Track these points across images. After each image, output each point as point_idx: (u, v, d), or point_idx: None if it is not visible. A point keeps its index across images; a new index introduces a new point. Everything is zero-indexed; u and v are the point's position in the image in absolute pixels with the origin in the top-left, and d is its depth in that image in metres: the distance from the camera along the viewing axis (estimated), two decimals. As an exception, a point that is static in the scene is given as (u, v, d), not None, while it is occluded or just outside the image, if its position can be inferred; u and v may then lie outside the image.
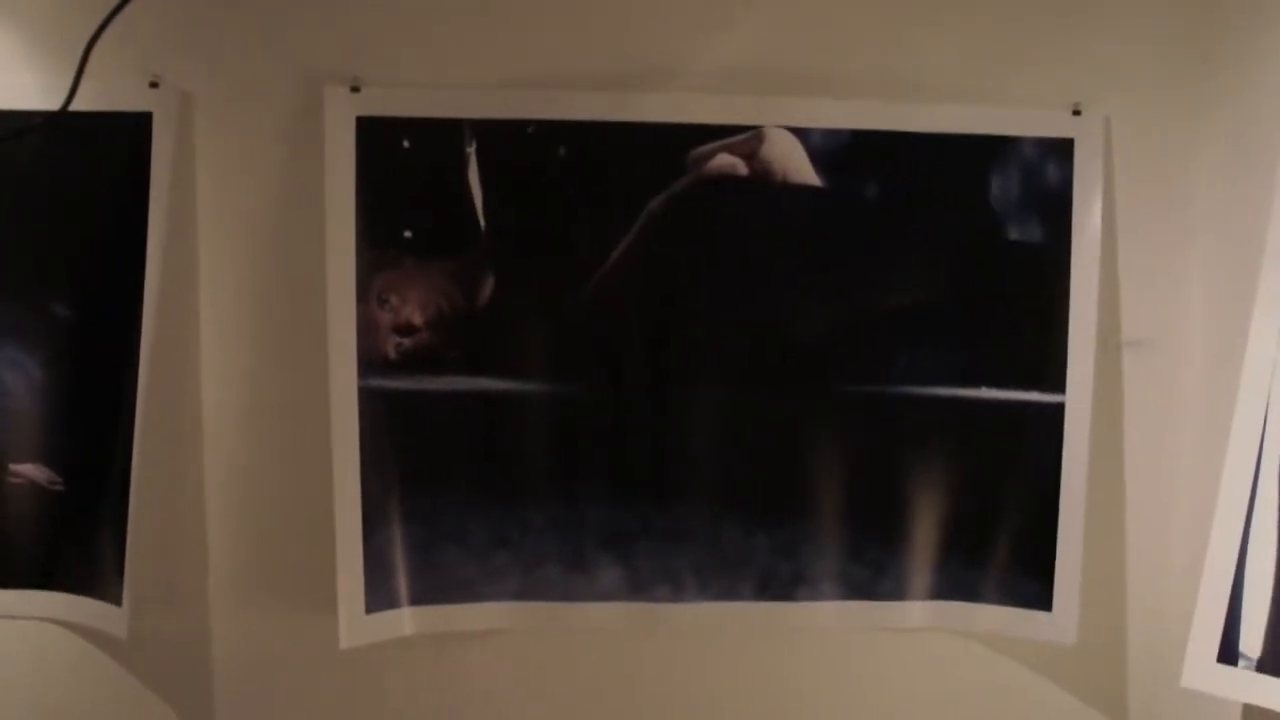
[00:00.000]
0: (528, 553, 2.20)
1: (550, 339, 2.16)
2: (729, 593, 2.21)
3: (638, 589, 2.20)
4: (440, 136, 2.12)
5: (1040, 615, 2.19)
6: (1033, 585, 2.20)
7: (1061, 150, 2.17)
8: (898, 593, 2.23)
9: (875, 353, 2.18)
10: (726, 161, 2.14)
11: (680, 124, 2.14)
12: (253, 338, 2.20)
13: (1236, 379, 1.96)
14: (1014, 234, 2.17)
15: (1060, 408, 2.17)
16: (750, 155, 2.14)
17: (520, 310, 2.15)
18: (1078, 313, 2.16)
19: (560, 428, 2.17)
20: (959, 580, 2.22)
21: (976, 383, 2.19)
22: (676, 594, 2.21)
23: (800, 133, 2.14)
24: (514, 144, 2.13)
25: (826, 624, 2.23)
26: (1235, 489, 1.95)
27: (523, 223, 2.15)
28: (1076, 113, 2.17)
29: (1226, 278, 2.14)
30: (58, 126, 2.07)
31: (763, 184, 2.15)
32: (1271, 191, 1.90)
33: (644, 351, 2.17)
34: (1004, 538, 2.21)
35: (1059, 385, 2.17)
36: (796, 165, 2.14)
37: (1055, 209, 2.17)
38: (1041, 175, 2.17)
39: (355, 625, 2.15)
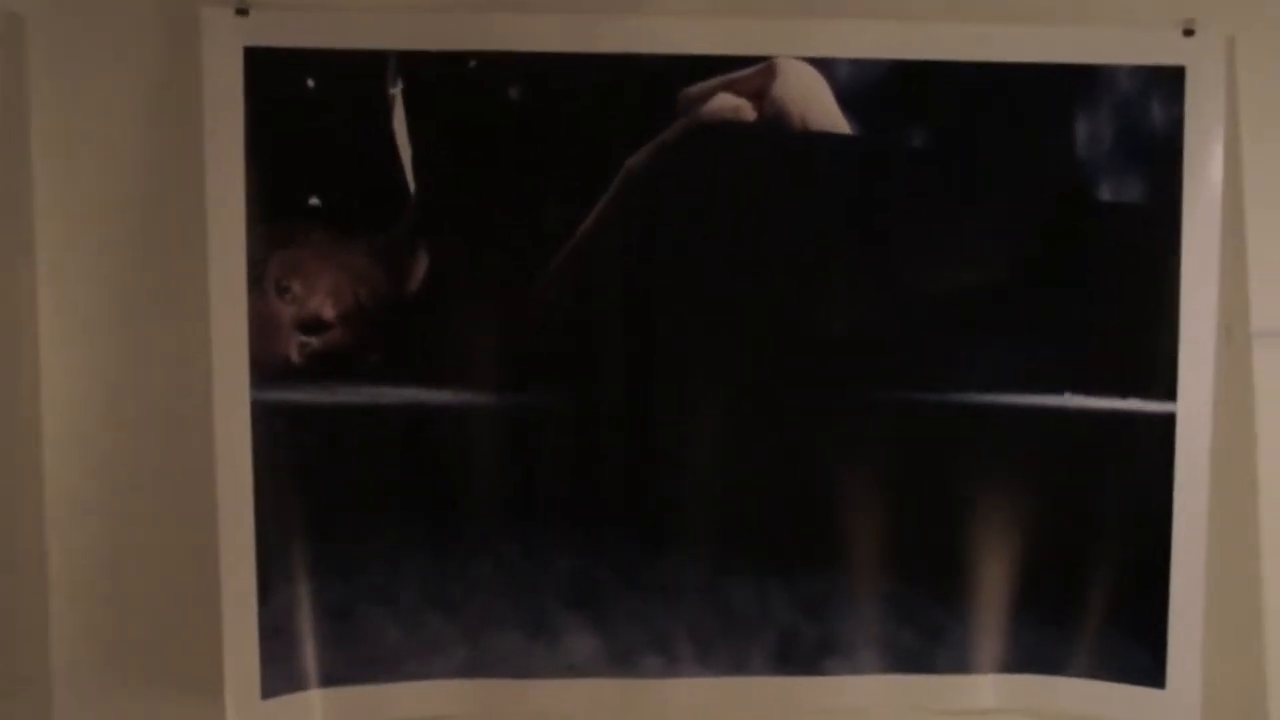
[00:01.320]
0: (474, 615, 1.86)
1: (500, 337, 1.84)
2: (737, 664, 1.87)
3: (618, 661, 1.87)
4: (355, 74, 1.80)
5: (1149, 693, 1.86)
6: (1138, 653, 1.86)
7: (1169, 82, 1.82)
8: (959, 664, 1.89)
9: (924, 351, 1.86)
10: (728, 104, 1.82)
11: (666, 55, 1.82)
12: (108, 337, 1.85)
13: None
14: (1106, 194, 1.83)
15: (1170, 419, 1.83)
16: (758, 95, 1.82)
17: (461, 299, 1.83)
18: (1192, 295, 1.82)
19: (514, 451, 1.85)
20: (1039, 647, 1.89)
21: (1058, 388, 1.84)
22: (669, 667, 1.87)
23: (824, 65, 1.81)
24: (451, 84, 1.82)
25: (865, 704, 1.90)
26: None
27: (463, 186, 1.83)
28: (1189, 32, 1.82)
29: None
30: None
31: (775, 133, 1.83)
32: None
33: (622, 352, 1.84)
34: (1099, 591, 1.88)
35: (1168, 391, 1.83)
36: (819, 107, 1.82)
37: (1161, 160, 1.82)
38: (1143, 116, 1.82)
39: (248, 714, 1.81)
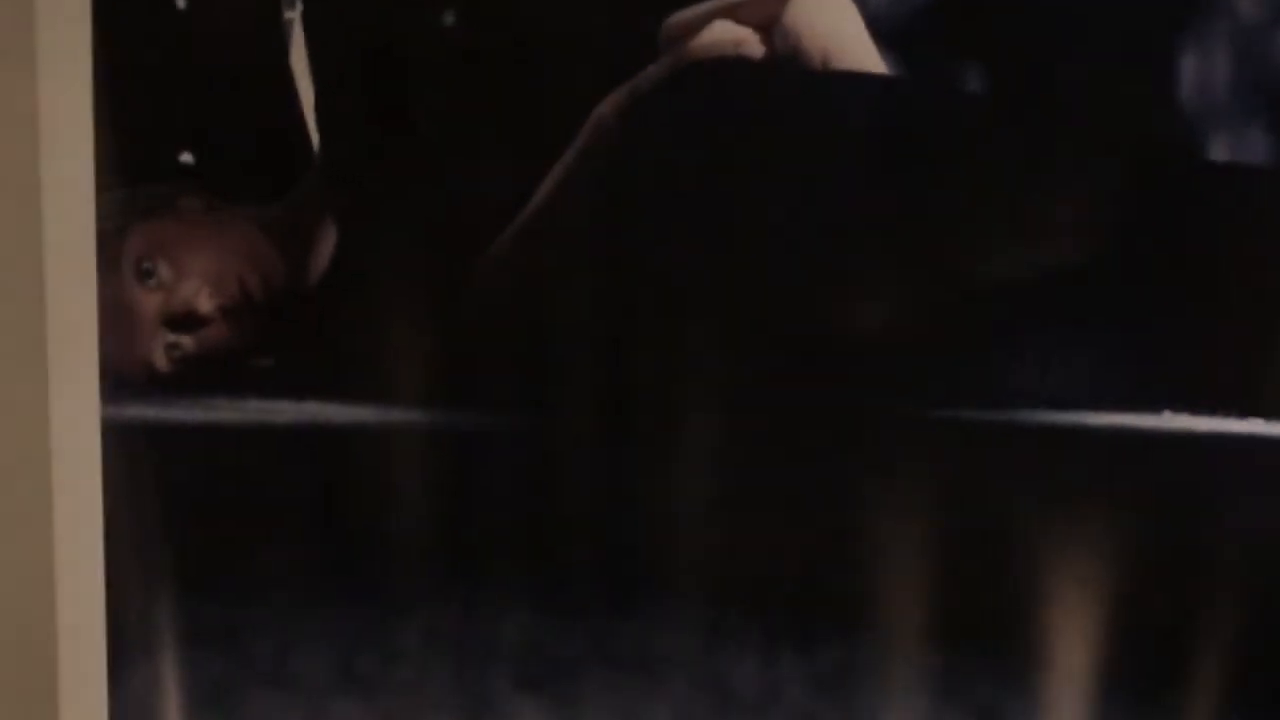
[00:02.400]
0: (398, 697, 1.57)
1: (431, 337, 1.57)
2: None
3: None
4: (240, -9, 1.54)
5: None
6: None
7: None
8: None
9: (979, 357, 1.57)
10: (727, 35, 1.54)
11: None
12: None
13: None
14: (1219, 151, 1.55)
15: None
16: (767, 24, 1.53)
17: (379, 288, 1.58)
18: None
19: (450, 486, 1.56)
20: None
21: (1154, 405, 1.54)
22: None
23: None
24: (368, 6, 1.58)
25: None
26: None
27: (383, 140, 1.58)
28: None
29: None
30: None
31: (789, 72, 1.54)
32: None
33: (589, 358, 1.56)
34: (1210, 662, 1.56)
35: None
36: (847, 39, 1.54)
37: None
38: (1270, 50, 1.54)
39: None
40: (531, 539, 1.57)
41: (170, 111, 1.59)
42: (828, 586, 1.59)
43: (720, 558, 1.58)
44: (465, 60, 1.57)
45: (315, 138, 1.60)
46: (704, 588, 1.58)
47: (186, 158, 1.60)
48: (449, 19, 1.56)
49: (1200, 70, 1.54)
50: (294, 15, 1.58)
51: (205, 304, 1.54)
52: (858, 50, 1.53)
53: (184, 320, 1.56)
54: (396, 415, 1.54)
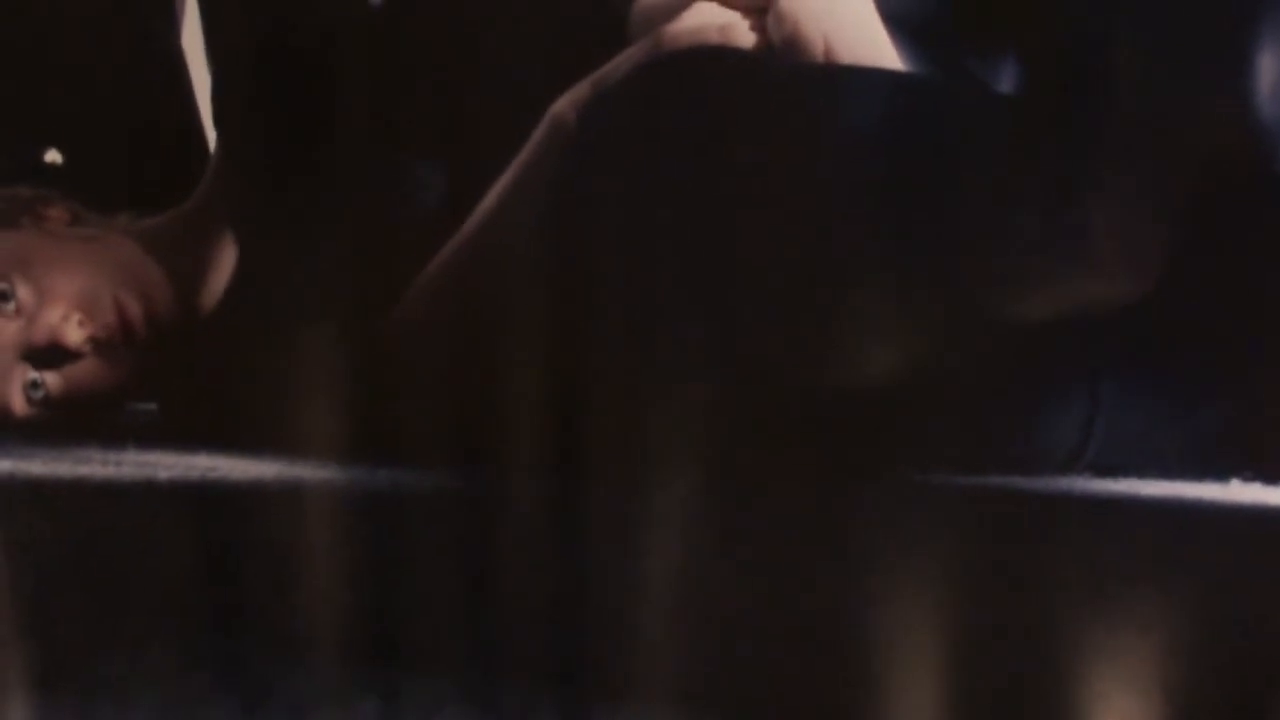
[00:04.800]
0: None
1: (349, 378, 1.41)
2: None
3: None
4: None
5: None
6: None
7: None
8: None
9: (1005, 410, 1.42)
10: (710, 20, 1.39)
11: None
12: None
13: None
14: None
15: None
16: (760, 8, 1.39)
17: (288, 318, 1.44)
18: None
19: (366, 557, 1.35)
20: None
21: (1221, 472, 1.37)
22: None
23: None
24: None
25: None
26: None
27: (294, 139, 1.44)
28: None
29: None
30: None
31: (784, 65, 1.39)
32: None
33: (540, 404, 1.40)
34: None
35: None
36: (853, 28, 1.38)
37: None
38: None
39: None
40: (464, 625, 1.40)
41: (32, 102, 1.46)
42: (823, 688, 1.40)
43: (690, 654, 1.40)
44: (395, 46, 1.44)
45: (210, 135, 1.45)
46: (670, 689, 1.40)
47: (52, 156, 1.47)
48: (376, 1, 1.42)
49: (1274, 70, 1.36)
50: (188, -13, 1.42)
51: (74, 334, 1.39)
52: (867, 40, 1.38)
53: (48, 354, 1.40)
54: (304, 473, 1.38)
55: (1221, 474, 1.35)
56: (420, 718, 1.32)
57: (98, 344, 1.43)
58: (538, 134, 1.36)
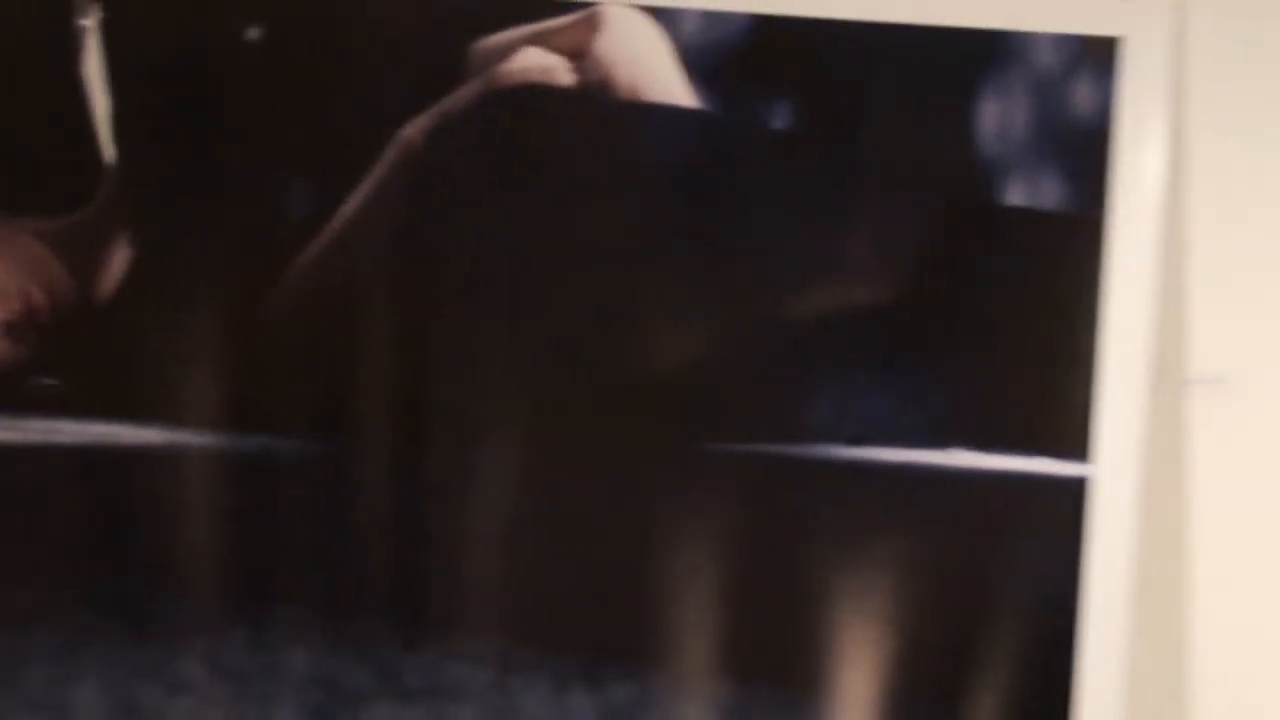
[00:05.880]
0: None
1: (224, 359, 1.57)
2: None
3: None
4: (29, -5, 1.50)
5: None
6: None
7: (1099, 58, 1.60)
8: None
9: (776, 391, 1.62)
10: (536, 62, 1.56)
11: None
12: None
13: None
14: (1016, 197, 1.60)
15: (1083, 484, 1.61)
16: (578, 52, 1.56)
17: (172, 307, 1.56)
18: (1118, 329, 1.61)
19: (238, 513, 1.58)
20: None
21: (942, 442, 1.61)
22: None
23: (665, 16, 1.56)
24: (168, 16, 1.55)
25: None
26: None
27: (181, 155, 1.56)
28: None
29: None
30: None
31: (598, 101, 1.58)
32: None
33: (388, 385, 1.58)
34: (987, 704, 1.64)
35: (1081, 449, 1.61)
36: (656, 71, 1.57)
37: (1086, 157, 1.60)
38: (1064, 98, 1.60)
39: None
40: (321, 571, 1.58)
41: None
42: (621, 620, 1.62)
43: (513, 591, 1.61)
44: (268, 76, 1.56)
45: (108, 149, 1.55)
46: (496, 622, 1.61)
47: (-30, 169, 1.54)
48: (253, 34, 1.54)
49: (998, 117, 1.59)
50: (89, 23, 1.52)
51: (-14, 319, 1.49)
52: (667, 83, 1.56)
53: (-37, 335, 1.50)
54: (184, 439, 1.53)
55: (945, 443, 1.58)
56: (283, 645, 1.55)
57: (5, 327, 1.53)
58: (390, 154, 1.52)
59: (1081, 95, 1.59)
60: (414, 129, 1.54)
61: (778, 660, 1.64)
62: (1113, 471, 1.60)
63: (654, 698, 1.60)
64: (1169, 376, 1.63)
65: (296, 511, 1.57)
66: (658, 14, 1.54)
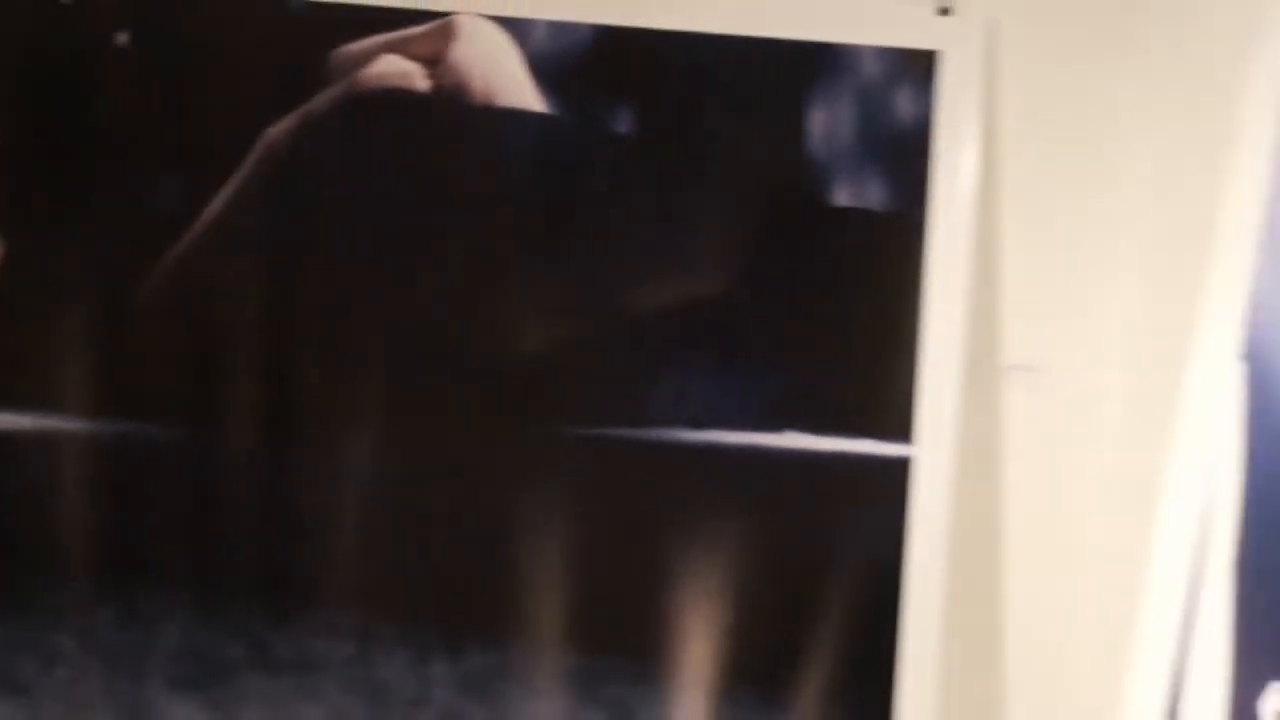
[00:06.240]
0: (53, 700, 1.65)
1: (97, 348, 1.63)
2: None
3: None
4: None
5: None
6: None
7: (919, 68, 1.71)
8: None
9: (622, 378, 1.72)
10: (394, 68, 1.65)
11: (317, 3, 1.63)
12: None
13: (1172, 422, 1.69)
14: (843, 198, 1.72)
15: (906, 465, 1.73)
16: (433, 59, 1.66)
17: (44, 299, 1.62)
18: (937, 320, 1.73)
19: (111, 495, 1.64)
20: None
21: (777, 425, 1.72)
22: None
23: (515, 26, 1.66)
24: (38, 21, 1.61)
25: None
26: (1166, 599, 1.64)
27: (53, 154, 1.62)
28: (945, 11, 1.72)
29: (1166, 276, 1.76)
30: None
31: (452, 105, 1.67)
32: (1229, 158, 1.62)
33: (254, 374, 1.66)
34: (816, 666, 1.77)
35: (904, 431, 1.73)
36: (507, 78, 1.66)
37: (906, 161, 1.72)
38: (887, 106, 1.71)
39: None
40: (190, 549, 1.65)
41: None
42: (477, 595, 1.72)
43: (374, 569, 1.70)
44: (137, 79, 1.61)
45: None
46: (357, 597, 1.70)
47: None
48: (122, 39, 1.60)
49: (827, 123, 1.70)
50: (-40, 28, 1.60)
51: None
52: (517, 88, 1.65)
53: None
54: (59, 425, 1.60)
55: (780, 427, 1.69)
56: (155, 620, 1.63)
57: None
58: (255, 153, 1.60)
59: (902, 104, 1.70)
60: (277, 130, 1.61)
61: (625, 631, 1.73)
62: (932, 452, 1.72)
63: (510, 667, 1.69)
64: (984, 364, 1.77)
65: (168, 494, 1.64)
66: (508, 24, 1.63)
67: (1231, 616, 1.51)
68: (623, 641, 1.75)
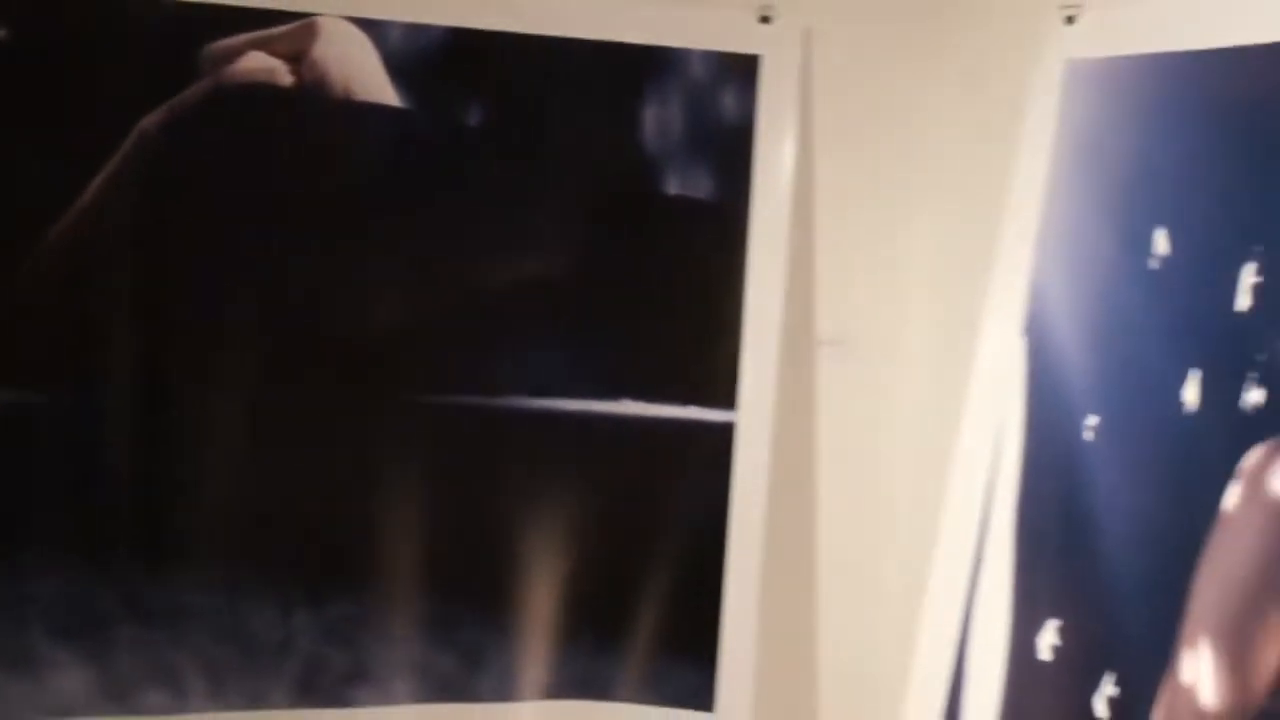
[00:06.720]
0: None
1: None
2: (255, 697, 1.78)
3: (115, 699, 1.73)
4: None
5: (698, 718, 1.87)
6: (689, 675, 1.87)
7: (742, 71, 1.81)
8: (502, 690, 1.86)
9: (471, 349, 1.81)
10: (260, 64, 1.72)
11: (188, 3, 1.68)
12: None
13: (964, 391, 1.75)
14: (673, 187, 1.82)
15: (730, 429, 1.84)
16: (297, 57, 1.72)
17: None
18: (757, 298, 1.84)
19: None
20: (588, 671, 1.88)
21: (615, 394, 1.83)
22: (176, 702, 1.75)
23: (372, 27, 1.73)
24: None
25: None
26: (957, 549, 1.71)
27: None
28: (765, 19, 1.82)
29: (959, 259, 1.87)
30: None
31: (314, 100, 1.73)
32: (1013, 156, 1.70)
33: (126, 341, 1.71)
34: (649, 611, 1.88)
35: (728, 399, 1.84)
36: (365, 74, 1.74)
37: (731, 154, 1.82)
38: (714, 105, 1.82)
39: None
40: (69, 508, 1.71)
41: None
42: (336, 548, 1.80)
43: (241, 525, 1.77)
44: (16, 71, 1.65)
45: None
46: (225, 551, 1.77)
47: None
48: (2, 33, 1.63)
49: (659, 118, 1.81)
50: None
51: None
52: (375, 83, 1.73)
53: None
54: None
55: (616, 395, 1.81)
56: (35, 575, 1.69)
57: None
58: (128, 142, 1.67)
59: (727, 103, 1.81)
60: (150, 121, 1.68)
61: (475, 582, 1.83)
62: (753, 417, 1.84)
63: (368, 616, 1.79)
64: (800, 338, 1.90)
65: (47, 455, 1.69)
66: (366, 25, 1.71)
67: (1012, 563, 1.63)
68: (473, 591, 1.84)
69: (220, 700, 1.78)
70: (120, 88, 1.70)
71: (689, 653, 1.87)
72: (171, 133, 1.69)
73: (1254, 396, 1.34)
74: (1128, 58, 1.55)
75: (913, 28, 1.89)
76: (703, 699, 1.86)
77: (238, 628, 1.77)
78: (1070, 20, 1.63)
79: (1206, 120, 1.46)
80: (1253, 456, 1.34)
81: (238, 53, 1.71)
